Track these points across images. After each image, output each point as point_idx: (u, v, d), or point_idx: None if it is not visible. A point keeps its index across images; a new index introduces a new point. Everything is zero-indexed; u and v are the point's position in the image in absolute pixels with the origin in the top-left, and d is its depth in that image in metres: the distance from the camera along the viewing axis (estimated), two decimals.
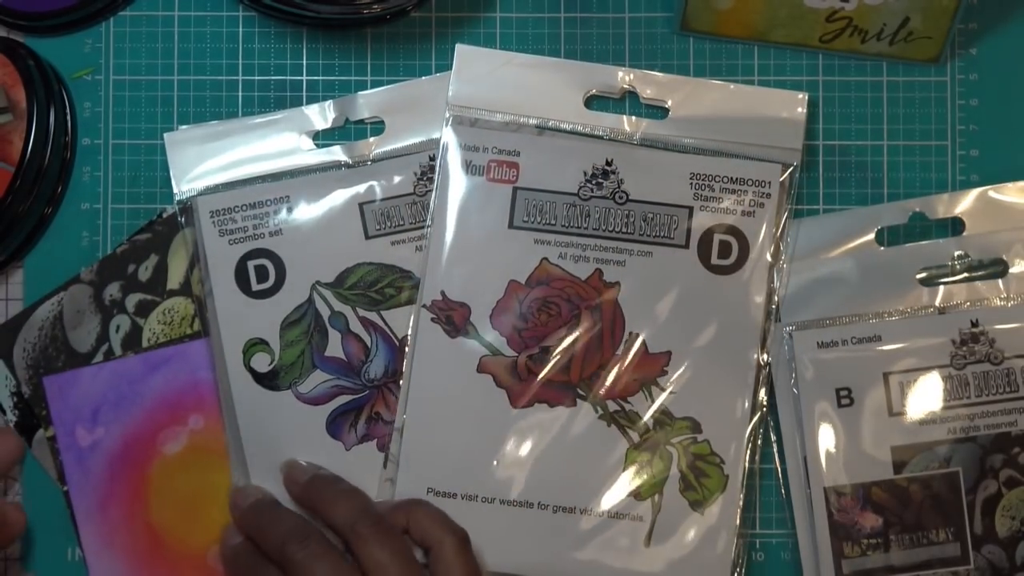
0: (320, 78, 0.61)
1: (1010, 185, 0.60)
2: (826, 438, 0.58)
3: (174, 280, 0.59)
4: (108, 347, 0.60)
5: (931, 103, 0.61)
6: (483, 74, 0.60)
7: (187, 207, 0.59)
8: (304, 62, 0.61)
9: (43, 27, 0.61)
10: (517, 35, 0.61)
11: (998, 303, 0.59)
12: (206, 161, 0.59)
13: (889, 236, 0.60)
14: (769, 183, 0.59)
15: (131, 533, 0.58)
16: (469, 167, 0.59)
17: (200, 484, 0.59)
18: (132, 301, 0.60)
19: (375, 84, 0.61)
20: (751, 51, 0.61)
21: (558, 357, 0.58)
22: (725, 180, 0.59)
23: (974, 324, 0.58)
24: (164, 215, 0.60)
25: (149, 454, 0.59)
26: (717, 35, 0.61)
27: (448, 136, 0.59)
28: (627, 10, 0.62)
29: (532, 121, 0.59)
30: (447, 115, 0.59)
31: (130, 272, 0.60)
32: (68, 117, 0.61)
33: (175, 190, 0.59)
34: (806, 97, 0.60)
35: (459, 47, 0.60)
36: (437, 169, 0.59)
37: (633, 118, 0.60)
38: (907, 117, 0.61)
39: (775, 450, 0.60)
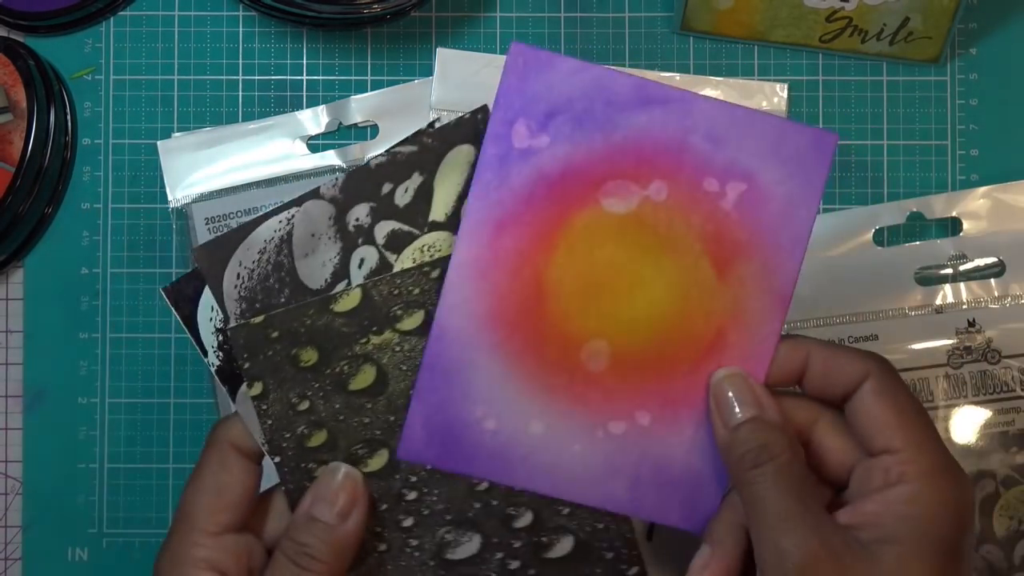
0: (320, 78, 0.61)
1: (1009, 185, 0.59)
2: None
3: (439, 210, 0.46)
4: (348, 285, 0.46)
5: (931, 103, 0.61)
6: (466, 76, 0.60)
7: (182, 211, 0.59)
8: (304, 62, 0.61)
9: (43, 27, 0.61)
10: (517, 35, 0.61)
11: (995, 303, 0.59)
12: (200, 168, 0.59)
13: (888, 236, 0.60)
14: None
15: (514, 277, 0.44)
16: None
17: (621, 265, 0.44)
18: (383, 231, 0.46)
19: (375, 84, 0.61)
20: (751, 51, 0.61)
21: None
22: None
23: (971, 324, 0.58)
24: (436, 124, 0.46)
25: (585, 197, 0.44)
26: (717, 35, 0.61)
27: None
28: (627, 10, 0.61)
29: None
30: (432, 118, 0.59)
31: (384, 192, 0.45)
32: (68, 117, 0.61)
33: (170, 197, 0.59)
34: (786, 87, 0.60)
35: (440, 51, 0.60)
36: None
37: None
38: (907, 117, 0.61)
39: None
